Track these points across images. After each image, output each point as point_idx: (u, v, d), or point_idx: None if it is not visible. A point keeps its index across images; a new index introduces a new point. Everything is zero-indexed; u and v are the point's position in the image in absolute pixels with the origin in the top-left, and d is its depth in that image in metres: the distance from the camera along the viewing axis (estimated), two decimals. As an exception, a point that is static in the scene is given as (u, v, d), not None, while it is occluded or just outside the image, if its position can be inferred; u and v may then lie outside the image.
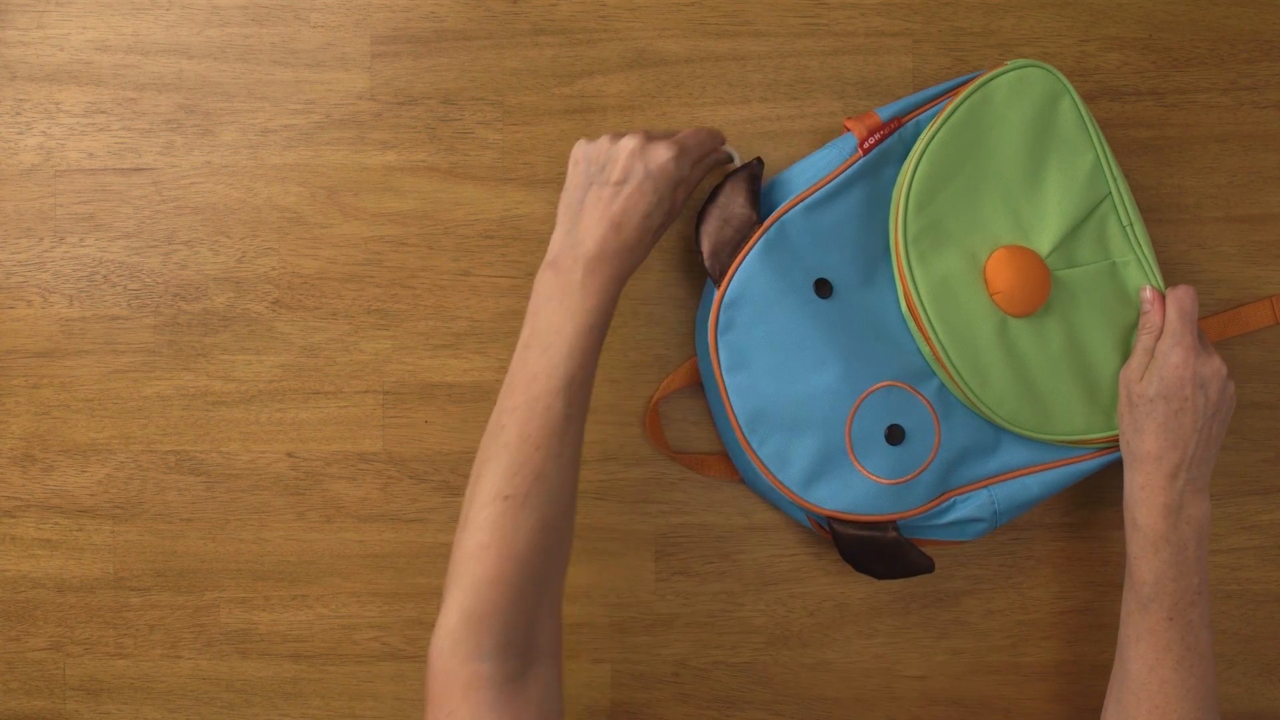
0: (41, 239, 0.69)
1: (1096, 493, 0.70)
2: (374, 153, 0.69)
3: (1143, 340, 0.62)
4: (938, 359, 0.62)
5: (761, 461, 0.63)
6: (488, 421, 0.61)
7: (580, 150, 0.59)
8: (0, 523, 0.70)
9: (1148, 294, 0.63)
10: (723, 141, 0.63)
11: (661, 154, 0.57)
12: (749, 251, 0.63)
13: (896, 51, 0.69)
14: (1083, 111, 0.63)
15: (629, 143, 0.57)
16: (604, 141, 0.58)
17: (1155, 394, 0.59)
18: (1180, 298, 0.61)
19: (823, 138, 0.69)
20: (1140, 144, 0.69)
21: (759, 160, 0.64)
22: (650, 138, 0.58)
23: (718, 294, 0.63)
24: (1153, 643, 0.58)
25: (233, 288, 0.69)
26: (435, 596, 0.69)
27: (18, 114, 0.69)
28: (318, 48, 0.69)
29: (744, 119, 0.69)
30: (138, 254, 0.69)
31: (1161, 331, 0.61)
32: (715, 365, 0.63)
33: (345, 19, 0.69)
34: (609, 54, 0.69)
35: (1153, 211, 0.69)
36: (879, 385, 0.63)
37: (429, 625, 0.69)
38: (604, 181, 0.57)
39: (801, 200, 0.63)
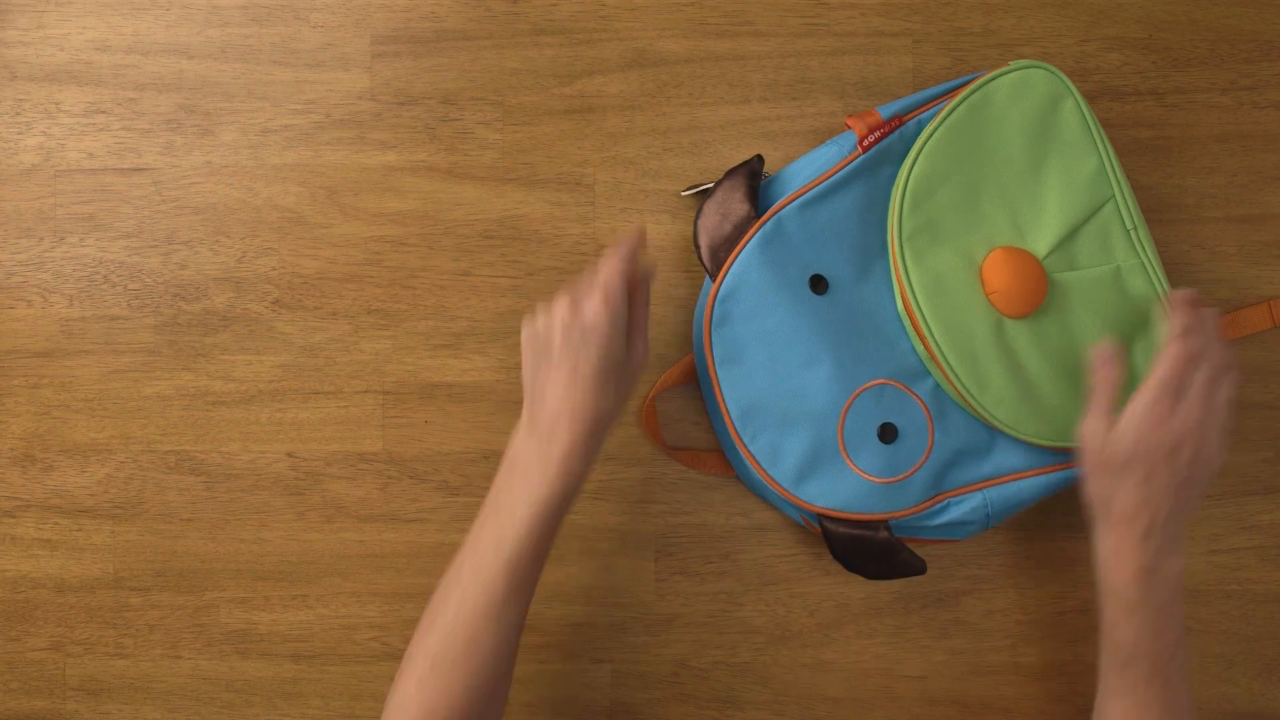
0: (41, 239, 0.69)
1: (1096, 493, 0.70)
2: (374, 153, 0.69)
3: (1099, 400, 0.59)
4: (933, 358, 0.62)
5: (753, 456, 0.63)
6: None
7: (525, 334, 0.58)
8: (0, 523, 0.70)
9: (1102, 352, 0.60)
10: (641, 239, 0.59)
11: (589, 310, 0.56)
12: (745, 245, 0.63)
13: (896, 51, 0.69)
14: (1086, 114, 0.63)
15: (560, 313, 0.57)
16: (541, 319, 0.58)
17: (1126, 459, 0.56)
18: (1173, 355, 0.57)
19: (823, 138, 0.69)
20: (1140, 144, 0.69)
21: (759, 157, 0.64)
22: (577, 299, 0.57)
23: (712, 288, 0.63)
24: (1133, 701, 0.57)
25: (233, 288, 0.69)
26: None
27: (18, 114, 0.69)
28: (318, 48, 0.69)
29: (744, 119, 0.69)
30: (138, 254, 0.69)
31: (1114, 389, 0.59)
32: (709, 359, 0.63)
33: (345, 19, 0.69)
34: (609, 54, 0.69)
35: (1153, 211, 0.69)
36: (872, 383, 0.63)
37: (429, 625, 0.69)
38: (550, 359, 0.57)
39: (799, 196, 0.63)
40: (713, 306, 0.63)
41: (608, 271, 0.57)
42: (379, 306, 0.69)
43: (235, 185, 0.69)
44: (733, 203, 0.64)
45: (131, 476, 0.69)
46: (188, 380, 0.69)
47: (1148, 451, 0.56)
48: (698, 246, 0.64)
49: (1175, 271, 0.69)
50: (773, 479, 0.63)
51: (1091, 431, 0.58)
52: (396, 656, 0.69)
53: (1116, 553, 0.57)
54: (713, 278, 0.64)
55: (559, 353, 0.56)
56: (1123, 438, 0.57)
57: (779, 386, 0.63)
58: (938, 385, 0.64)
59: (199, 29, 0.69)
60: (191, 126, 0.69)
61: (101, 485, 0.69)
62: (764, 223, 0.63)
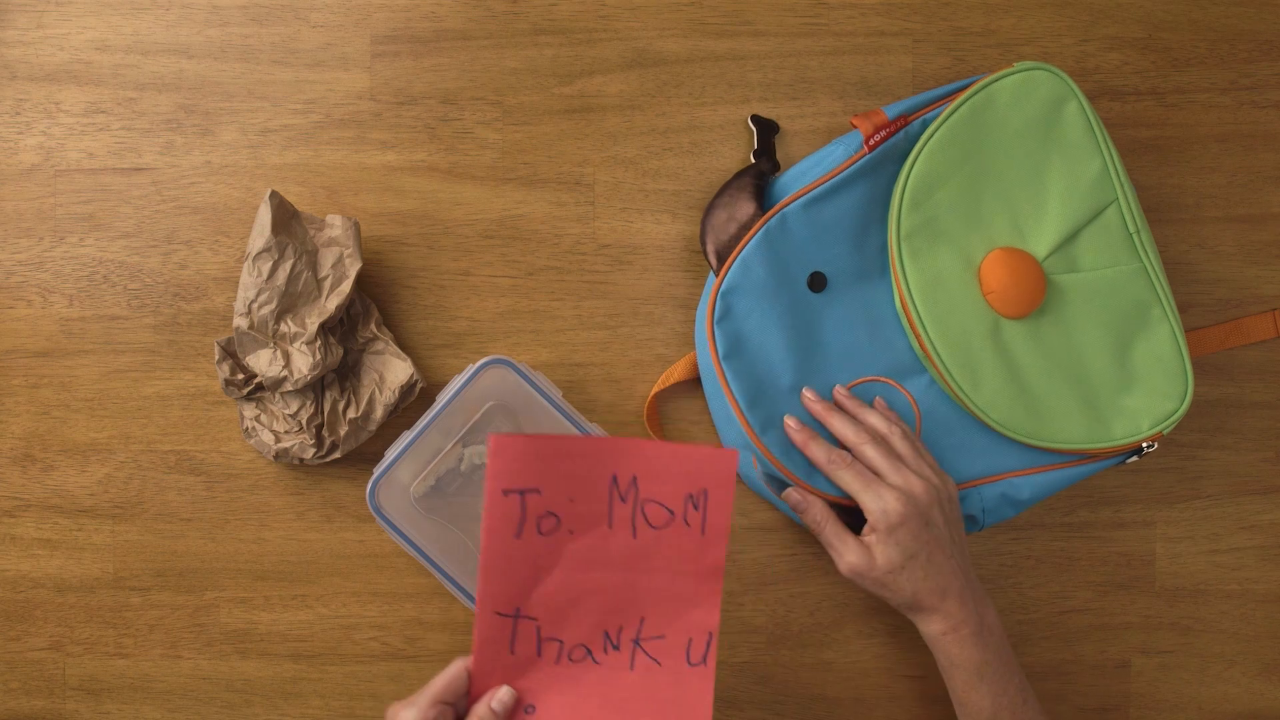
0: (41, 239, 0.69)
1: (1096, 493, 0.70)
2: (374, 153, 0.69)
3: (834, 535, 0.60)
4: (927, 355, 0.62)
5: (766, 448, 0.64)
6: None
7: None
8: (0, 523, 0.70)
9: (794, 495, 0.63)
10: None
11: None
12: (748, 241, 0.63)
13: (896, 51, 0.69)
14: (1090, 116, 0.63)
15: None
16: None
17: (900, 562, 0.57)
18: (855, 449, 0.60)
19: (822, 138, 0.69)
20: (1140, 144, 0.69)
21: (774, 123, 0.65)
22: None
23: (715, 281, 0.64)
24: None
25: (233, 288, 0.69)
26: (434, 596, 0.69)
27: (18, 114, 0.69)
28: (318, 48, 0.69)
29: (744, 119, 0.69)
30: (138, 254, 0.69)
31: (828, 516, 0.61)
32: (712, 352, 0.64)
33: (345, 19, 0.69)
34: (609, 54, 0.69)
35: (1153, 211, 0.69)
36: (863, 380, 0.64)
37: (428, 625, 0.69)
38: None
39: (804, 194, 0.63)
40: (715, 301, 0.64)
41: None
42: (379, 306, 0.69)
43: (235, 185, 0.69)
44: (740, 203, 0.64)
45: (131, 476, 0.69)
46: (188, 380, 0.69)
47: (911, 545, 0.57)
48: (704, 244, 0.64)
49: (1175, 271, 0.69)
50: (788, 470, 0.63)
51: (852, 565, 0.59)
52: (396, 656, 0.69)
53: (945, 632, 0.58)
54: (716, 273, 0.64)
55: None
56: (885, 551, 0.57)
57: (777, 383, 0.64)
58: (932, 381, 0.64)
59: (199, 29, 0.69)
60: (191, 126, 0.69)
61: (101, 485, 0.69)
62: (768, 219, 0.63)
